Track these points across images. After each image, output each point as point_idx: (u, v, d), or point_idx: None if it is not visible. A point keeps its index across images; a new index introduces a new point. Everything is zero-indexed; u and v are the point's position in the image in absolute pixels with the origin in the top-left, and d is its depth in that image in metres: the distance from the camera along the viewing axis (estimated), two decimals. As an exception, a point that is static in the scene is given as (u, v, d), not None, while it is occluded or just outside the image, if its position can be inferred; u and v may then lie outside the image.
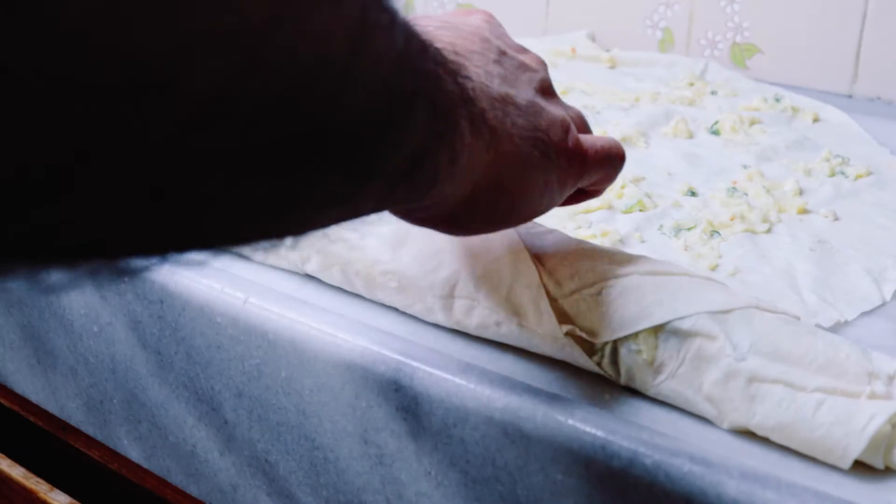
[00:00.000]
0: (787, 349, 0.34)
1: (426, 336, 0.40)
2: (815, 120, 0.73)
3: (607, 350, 0.36)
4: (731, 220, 0.53)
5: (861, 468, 0.32)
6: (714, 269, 0.48)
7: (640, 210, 0.55)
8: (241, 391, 0.43)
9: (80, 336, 0.51)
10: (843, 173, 0.62)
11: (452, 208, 0.31)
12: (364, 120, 0.22)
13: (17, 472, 0.61)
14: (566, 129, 0.35)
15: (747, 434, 0.34)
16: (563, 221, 0.53)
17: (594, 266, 0.38)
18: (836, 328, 0.42)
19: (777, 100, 0.76)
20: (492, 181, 0.31)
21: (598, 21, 0.93)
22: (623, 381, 0.37)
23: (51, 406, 0.57)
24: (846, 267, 0.49)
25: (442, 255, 0.40)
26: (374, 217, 0.27)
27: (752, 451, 0.33)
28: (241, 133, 0.18)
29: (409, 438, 0.38)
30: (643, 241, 0.51)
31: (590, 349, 0.37)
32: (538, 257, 0.39)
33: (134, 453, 0.52)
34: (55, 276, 0.19)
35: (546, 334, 0.37)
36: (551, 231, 0.41)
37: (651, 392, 0.36)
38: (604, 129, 0.68)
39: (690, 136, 0.68)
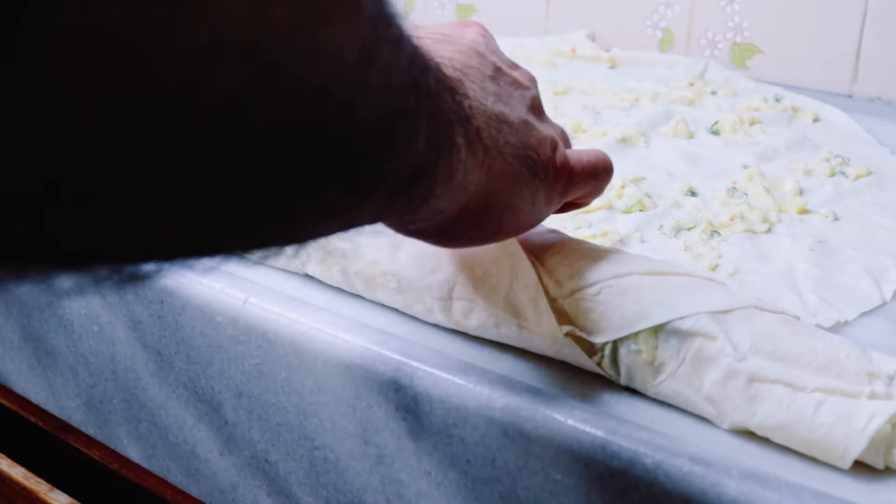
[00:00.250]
0: (787, 349, 0.34)
1: (426, 336, 0.40)
2: (815, 120, 0.73)
3: (607, 350, 0.36)
4: (731, 220, 0.53)
5: (861, 468, 0.32)
6: (714, 269, 0.48)
7: (640, 210, 0.55)
8: (241, 391, 0.43)
9: (80, 336, 0.51)
10: (843, 173, 0.62)
11: (443, 223, 0.32)
12: (370, 133, 0.22)
13: (17, 472, 0.61)
14: (554, 147, 0.36)
15: (747, 434, 0.34)
16: (563, 221, 0.53)
17: (594, 266, 0.38)
18: (836, 328, 0.42)
19: (777, 100, 0.76)
20: (483, 198, 0.32)
21: (598, 21, 0.93)
22: (623, 381, 0.37)
23: (51, 406, 0.57)
24: (846, 267, 0.49)
25: (440, 256, 0.40)
26: (368, 228, 0.27)
27: (752, 451, 0.33)
28: (256, 142, 0.18)
29: (409, 438, 0.38)
30: (643, 241, 0.51)
31: (590, 349, 0.37)
32: (538, 257, 0.39)
33: (134, 453, 0.52)
34: (67, 282, 0.19)
35: (546, 334, 0.37)
36: (551, 231, 0.41)
37: (651, 392, 0.36)
38: (604, 129, 0.68)
39: (690, 136, 0.68)
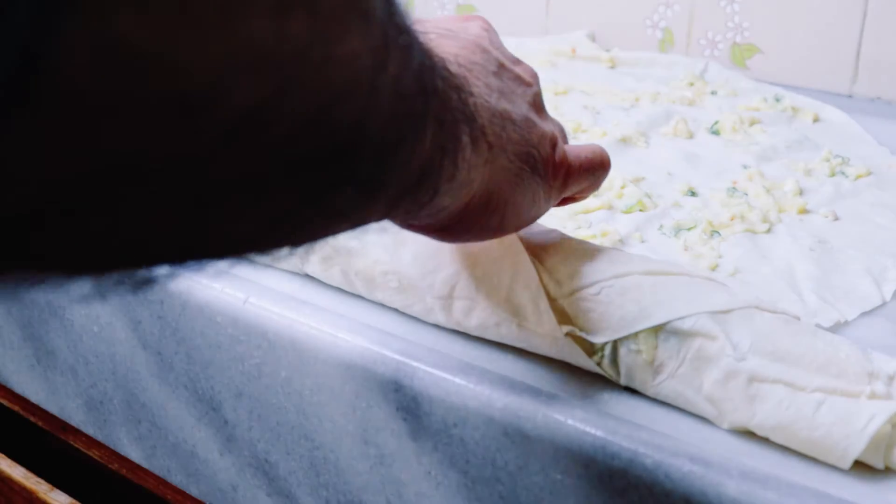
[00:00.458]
0: (787, 349, 0.34)
1: (426, 336, 0.40)
2: (815, 120, 0.73)
3: (607, 350, 0.36)
4: (731, 220, 0.53)
5: (861, 468, 0.32)
6: (714, 269, 0.48)
7: (640, 210, 0.55)
8: (241, 391, 0.43)
9: (80, 336, 0.51)
10: (843, 173, 0.62)
11: (446, 220, 0.32)
12: (381, 138, 0.22)
13: (17, 472, 0.61)
14: (553, 144, 0.36)
15: (747, 434, 0.34)
16: (563, 221, 0.53)
17: (594, 266, 0.38)
18: (836, 328, 0.42)
19: (777, 100, 0.76)
20: (486, 195, 0.32)
21: (598, 21, 0.93)
22: (623, 381, 0.37)
23: (51, 406, 0.57)
24: (846, 267, 0.49)
25: (442, 255, 0.40)
26: (374, 225, 0.28)
27: (752, 451, 0.33)
28: (273, 152, 0.19)
29: (409, 438, 0.38)
30: (643, 241, 0.51)
31: (590, 349, 0.37)
32: (538, 257, 0.39)
33: (134, 453, 0.52)
34: (81, 288, 0.20)
35: (546, 334, 0.37)
36: (551, 231, 0.41)
37: (651, 392, 0.36)
38: (604, 129, 0.68)
39: (690, 136, 0.68)
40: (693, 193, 0.58)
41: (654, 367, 0.36)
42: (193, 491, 0.49)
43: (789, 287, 0.46)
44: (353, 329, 0.40)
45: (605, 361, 0.37)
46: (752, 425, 0.34)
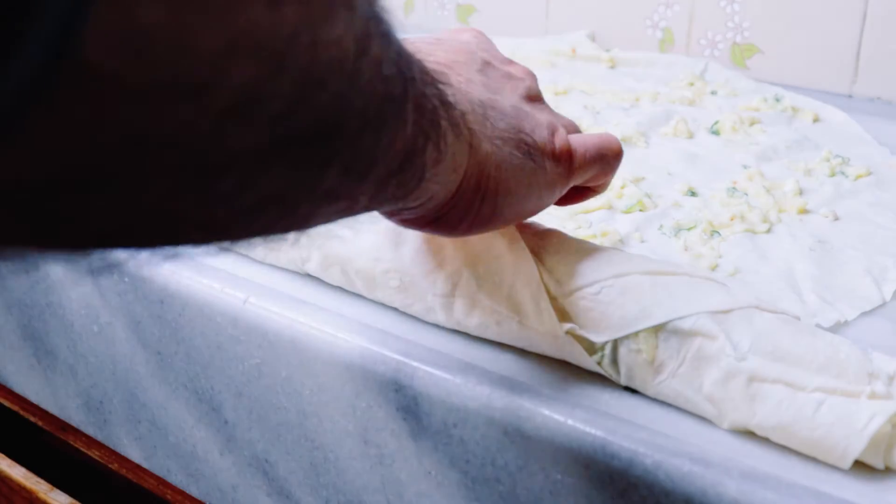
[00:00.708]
0: (787, 349, 0.34)
1: (426, 336, 0.40)
2: (815, 120, 0.73)
3: (607, 350, 0.36)
4: (731, 220, 0.53)
5: (861, 468, 0.32)
6: (714, 269, 0.48)
7: (640, 210, 0.55)
8: (241, 391, 0.43)
9: (80, 336, 0.51)
10: (843, 173, 0.62)
11: (438, 209, 0.33)
12: (364, 117, 0.24)
13: (17, 472, 0.61)
14: (553, 131, 0.36)
15: (747, 434, 0.34)
16: (563, 221, 0.53)
17: (594, 266, 0.38)
18: (836, 328, 0.42)
19: (777, 100, 0.76)
20: (474, 183, 0.33)
21: (598, 21, 0.93)
22: (623, 381, 0.37)
23: (51, 406, 0.57)
24: (846, 267, 0.49)
25: (443, 254, 0.40)
26: (365, 217, 0.29)
27: (752, 451, 0.33)
28: (268, 129, 0.21)
29: (409, 438, 0.38)
30: (643, 241, 0.51)
31: (590, 349, 0.37)
32: (539, 256, 0.39)
33: (134, 453, 0.52)
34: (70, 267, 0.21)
35: (546, 333, 0.37)
36: (551, 231, 0.41)
37: (651, 392, 0.36)
38: (604, 129, 0.68)
39: (690, 136, 0.68)
40: (693, 193, 0.58)
41: (655, 367, 0.36)
42: (193, 491, 0.49)
43: (789, 287, 0.46)
44: (353, 329, 0.40)
45: (606, 361, 0.37)
46: (752, 425, 0.34)
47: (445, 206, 0.33)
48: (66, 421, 0.56)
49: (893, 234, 0.53)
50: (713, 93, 0.79)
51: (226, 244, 0.24)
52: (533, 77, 0.39)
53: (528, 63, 0.87)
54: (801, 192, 0.58)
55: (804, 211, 0.56)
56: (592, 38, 0.93)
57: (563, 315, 0.37)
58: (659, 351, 0.35)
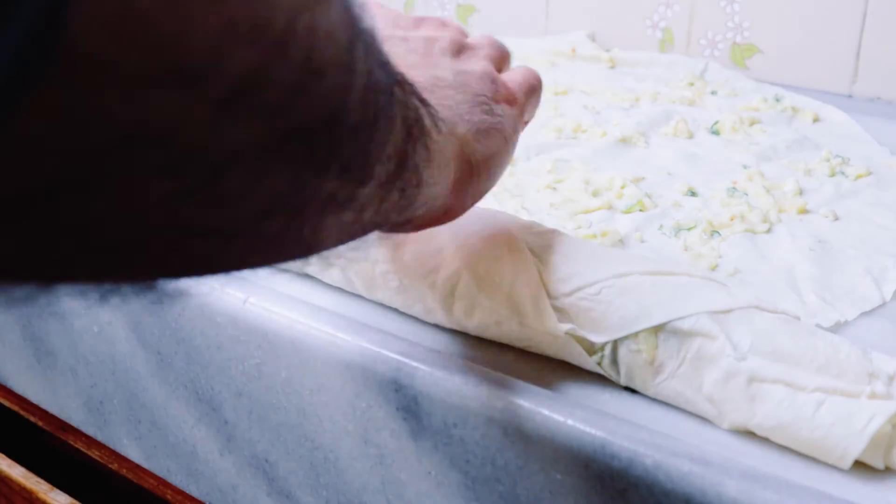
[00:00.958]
0: (787, 349, 0.34)
1: (426, 336, 0.40)
2: (815, 120, 0.73)
3: (607, 350, 0.36)
4: (731, 220, 0.53)
5: (861, 468, 0.32)
6: (714, 269, 0.48)
7: (640, 210, 0.55)
8: (241, 391, 0.43)
9: (80, 336, 0.51)
10: (843, 173, 0.62)
11: (444, 203, 0.33)
12: (360, 111, 0.24)
13: (17, 472, 0.61)
14: (492, 79, 0.37)
15: (747, 434, 0.34)
16: (563, 221, 0.53)
17: (594, 266, 0.38)
18: (836, 328, 0.42)
19: (777, 100, 0.76)
20: (466, 167, 0.33)
21: (598, 21, 0.93)
22: (623, 381, 0.37)
23: (51, 406, 0.57)
24: (846, 267, 0.49)
25: (442, 254, 0.40)
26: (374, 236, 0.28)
27: (752, 451, 0.33)
28: (265, 121, 0.20)
29: (409, 438, 0.38)
30: (643, 241, 0.51)
31: (590, 349, 0.37)
32: (538, 257, 0.39)
33: (134, 453, 0.52)
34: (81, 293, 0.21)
35: (546, 333, 0.37)
36: (551, 231, 0.41)
37: (651, 392, 0.36)
38: (604, 129, 0.68)
39: (690, 136, 0.68)
40: (693, 193, 0.58)
41: (655, 367, 0.36)
42: (193, 491, 0.49)
43: (789, 287, 0.46)
44: (353, 329, 0.40)
45: (606, 361, 0.37)
46: (752, 425, 0.34)
47: (451, 196, 0.33)
48: (66, 421, 0.56)
49: (893, 234, 0.53)
50: (713, 93, 0.79)
51: (244, 268, 0.23)
52: (445, 24, 0.38)
53: (528, 63, 0.87)
54: (801, 192, 0.58)
55: (804, 211, 0.56)
56: (592, 38, 0.93)
57: (563, 315, 0.37)
58: (659, 351, 0.35)
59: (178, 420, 0.47)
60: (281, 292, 0.43)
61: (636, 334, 0.36)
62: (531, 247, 0.39)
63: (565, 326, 0.37)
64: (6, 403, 0.65)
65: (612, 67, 0.87)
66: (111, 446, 0.54)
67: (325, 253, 0.27)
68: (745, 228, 0.53)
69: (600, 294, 0.37)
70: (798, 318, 0.37)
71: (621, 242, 0.51)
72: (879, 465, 0.32)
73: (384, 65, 0.25)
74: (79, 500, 0.58)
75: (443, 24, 0.38)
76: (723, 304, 0.36)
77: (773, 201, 0.56)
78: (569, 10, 0.95)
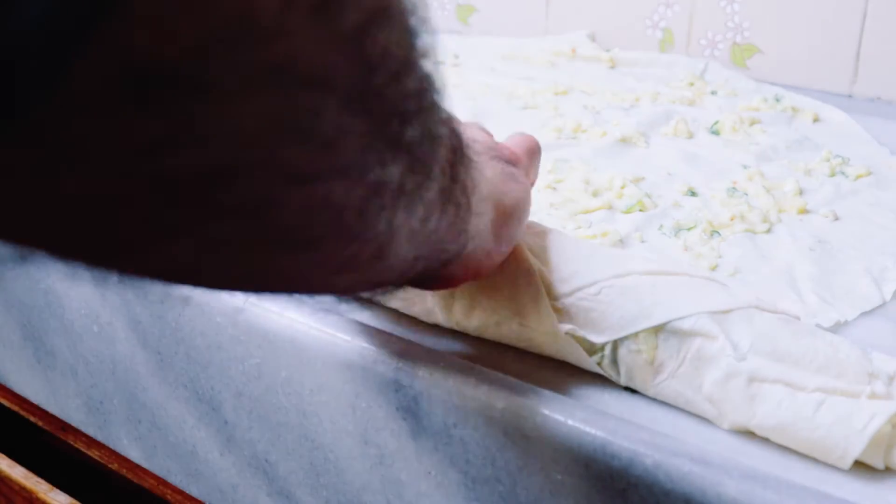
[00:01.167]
0: (787, 349, 0.34)
1: (426, 336, 0.40)
2: (815, 120, 0.73)
3: (607, 350, 0.36)
4: (731, 220, 0.53)
5: (861, 468, 0.32)
6: (714, 269, 0.48)
7: (640, 210, 0.55)
8: (241, 391, 0.43)
9: (80, 336, 0.51)
10: (843, 173, 0.62)
11: (487, 245, 0.34)
12: (433, 108, 0.24)
13: (17, 472, 0.61)
14: (495, 143, 0.38)
15: (747, 434, 0.34)
16: (563, 221, 0.53)
17: (594, 266, 0.38)
18: (836, 328, 0.42)
19: (777, 100, 0.76)
20: (500, 206, 0.34)
21: (598, 21, 0.93)
22: (623, 381, 0.37)
23: (51, 406, 0.57)
24: (846, 267, 0.49)
25: None
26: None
27: (752, 451, 0.33)
28: (376, 98, 0.21)
29: (409, 438, 0.38)
30: (643, 241, 0.51)
31: (590, 349, 0.37)
32: (539, 257, 0.39)
33: (134, 453, 0.52)
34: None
35: (546, 333, 0.37)
36: (551, 231, 0.41)
37: (651, 392, 0.36)
38: (604, 129, 0.68)
39: (690, 136, 0.68)
40: (693, 193, 0.58)
41: (655, 367, 0.36)
42: (193, 491, 0.49)
43: (789, 287, 0.46)
44: (353, 329, 0.40)
45: (606, 361, 0.37)
46: (752, 425, 0.34)
47: (489, 242, 0.33)
48: (66, 421, 0.56)
49: (893, 234, 0.53)
50: (713, 93, 0.79)
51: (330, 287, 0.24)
52: None
53: (528, 63, 0.87)
54: (801, 192, 0.58)
55: (804, 211, 0.56)
56: (592, 38, 0.93)
57: (563, 315, 0.37)
58: (659, 351, 0.35)
59: (178, 420, 0.47)
60: (281, 292, 0.43)
61: (636, 334, 0.36)
62: (531, 247, 0.39)
63: (565, 327, 0.37)
64: (6, 403, 0.65)
65: (612, 67, 0.87)
66: (111, 446, 0.54)
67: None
68: (745, 228, 0.53)
69: (600, 294, 0.37)
70: (798, 318, 0.37)
71: (621, 242, 0.51)
72: (879, 465, 0.32)
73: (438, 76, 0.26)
74: (79, 500, 0.58)
75: None
76: (723, 304, 0.36)
77: (773, 201, 0.56)
78: (569, 10, 0.95)
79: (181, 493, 0.53)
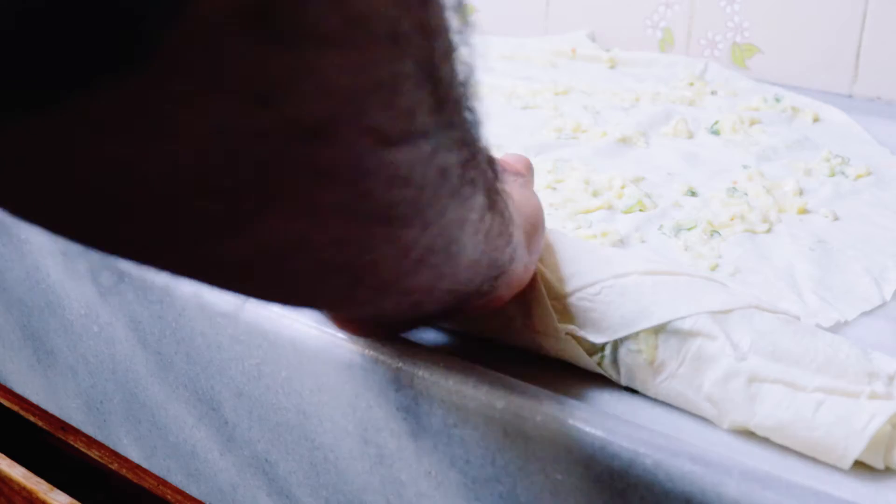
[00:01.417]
0: (787, 349, 0.34)
1: (426, 336, 0.40)
2: (815, 120, 0.73)
3: (607, 350, 0.36)
4: (731, 220, 0.53)
5: (861, 468, 0.32)
6: (714, 269, 0.48)
7: (640, 210, 0.55)
8: (241, 391, 0.43)
9: (80, 336, 0.51)
10: (843, 173, 0.62)
11: (523, 257, 0.34)
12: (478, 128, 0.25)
13: (17, 472, 0.61)
14: (501, 160, 0.39)
15: (747, 434, 0.34)
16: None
17: (594, 266, 0.38)
18: (836, 328, 0.42)
19: (777, 100, 0.76)
20: (524, 218, 0.35)
21: (598, 21, 0.93)
22: (623, 381, 0.37)
23: (51, 406, 0.57)
24: (846, 267, 0.49)
25: None
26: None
27: (752, 451, 0.33)
28: (449, 86, 0.22)
29: (409, 438, 0.38)
30: (643, 241, 0.51)
31: (590, 349, 0.37)
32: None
33: (134, 453, 0.52)
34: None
35: (547, 334, 0.37)
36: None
37: (651, 392, 0.36)
38: (604, 129, 0.68)
39: (690, 136, 0.68)
40: (693, 193, 0.58)
41: (655, 367, 0.36)
42: (193, 491, 0.49)
43: (789, 287, 0.46)
44: (353, 329, 0.40)
45: (606, 361, 0.37)
46: (752, 425, 0.34)
47: (525, 255, 0.34)
48: (66, 421, 0.56)
49: (893, 234, 0.53)
50: (713, 93, 0.79)
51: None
52: None
53: (528, 63, 0.87)
54: (801, 192, 0.58)
55: (804, 211, 0.56)
56: (592, 38, 0.93)
57: (563, 315, 0.37)
58: (659, 351, 0.35)
59: (178, 420, 0.47)
60: (281, 292, 0.43)
61: (636, 334, 0.36)
62: None
63: (566, 327, 0.37)
64: (6, 403, 0.65)
65: (612, 67, 0.87)
66: (111, 446, 0.54)
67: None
68: (745, 228, 0.53)
69: (600, 294, 0.37)
70: (798, 318, 0.37)
71: (621, 242, 0.51)
72: (879, 465, 0.32)
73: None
74: (79, 500, 0.58)
75: None
76: (723, 304, 0.36)
77: (773, 201, 0.56)
78: (569, 10, 0.95)
79: (181, 493, 0.53)
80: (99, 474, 0.60)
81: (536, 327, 0.37)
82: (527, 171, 0.40)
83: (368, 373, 0.38)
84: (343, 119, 0.18)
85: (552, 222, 0.52)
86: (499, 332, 0.39)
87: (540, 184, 0.58)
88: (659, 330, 0.36)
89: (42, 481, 0.60)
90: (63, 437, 0.61)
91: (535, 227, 0.36)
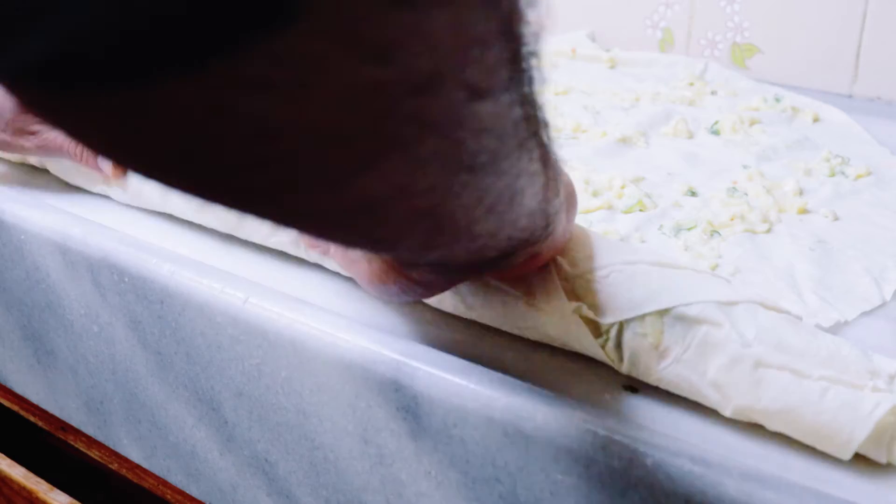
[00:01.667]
0: (791, 343, 0.34)
1: (426, 336, 0.40)
2: (815, 120, 0.73)
3: (612, 333, 0.36)
4: (731, 220, 0.53)
5: (862, 467, 0.32)
6: (714, 269, 0.48)
7: (640, 210, 0.55)
8: (241, 391, 0.43)
9: (80, 336, 0.51)
10: (843, 173, 0.62)
11: (564, 221, 0.35)
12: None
13: (17, 472, 0.61)
14: None
15: (748, 434, 0.34)
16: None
17: (605, 251, 0.38)
18: (836, 328, 0.42)
19: (777, 100, 0.76)
20: (565, 184, 0.36)
21: (598, 21, 0.93)
22: (625, 367, 0.37)
23: (51, 406, 0.57)
24: (846, 267, 0.49)
25: None
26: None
27: (753, 451, 0.33)
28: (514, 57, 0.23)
29: (409, 438, 0.38)
30: (643, 242, 0.51)
31: (595, 331, 0.37)
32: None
33: (134, 453, 0.52)
34: None
35: (553, 312, 0.37)
36: None
37: (653, 378, 0.36)
38: (604, 129, 0.68)
39: (690, 136, 0.68)
40: (693, 193, 0.58)
41: (660, 352, 0.36)
42: (193, 491, 0.49)
43: (789, 287, 0.46)
44: (353, 329, 0.40)
45: (610, 345, 0.37)
46: (757, 410, 0.33)
47: (564, 220, 0.35)
48: (66, 421, 0.56)
49: (893, 234, 0.53)
50: (713, 93, 0.79)
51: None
52: None
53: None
54: (801, 192, 0.58)
55: (804, 211, 0.56)
56: (592, 37, 0.93)
57: (571, 295, 0.37)
58: (664, 336, 0.36)
59: (178, 420, 0.47)
60: (281, 292, 0.43)
61: (642, 318, 0.36)
62: None
63: (573, 305, 0.37)
64: (6, 403, 0.65)
65: (612, 67, 0.87)
66: (111, 446, 0.54)
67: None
68: (745, 228, 0.53)
69: (609, 277, 0.37)
70: (800, 319, 0.37)
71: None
72: (882, 458, 0.32)
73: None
74: (79, 500, 0.58)
75: None
76: (729, 296, 0.36)
77: (773, 201, 0.56)
78: (569, 10, 0.95)
79: (181, 493, 0.53)
80: (99, 474, 0.60)
81: (543, 306, 0.37)
82: None
83: (368, 373, 0.38)
84: (446, 74, 0.20)
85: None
86: (502, 314, 0.39)
87: (540, 184, 0.58)
88: (665, 314, 0.36)
89: (42, 481, 0.60)
90: (63, 437, 0.61)
91: (571, 194, 0.38)
